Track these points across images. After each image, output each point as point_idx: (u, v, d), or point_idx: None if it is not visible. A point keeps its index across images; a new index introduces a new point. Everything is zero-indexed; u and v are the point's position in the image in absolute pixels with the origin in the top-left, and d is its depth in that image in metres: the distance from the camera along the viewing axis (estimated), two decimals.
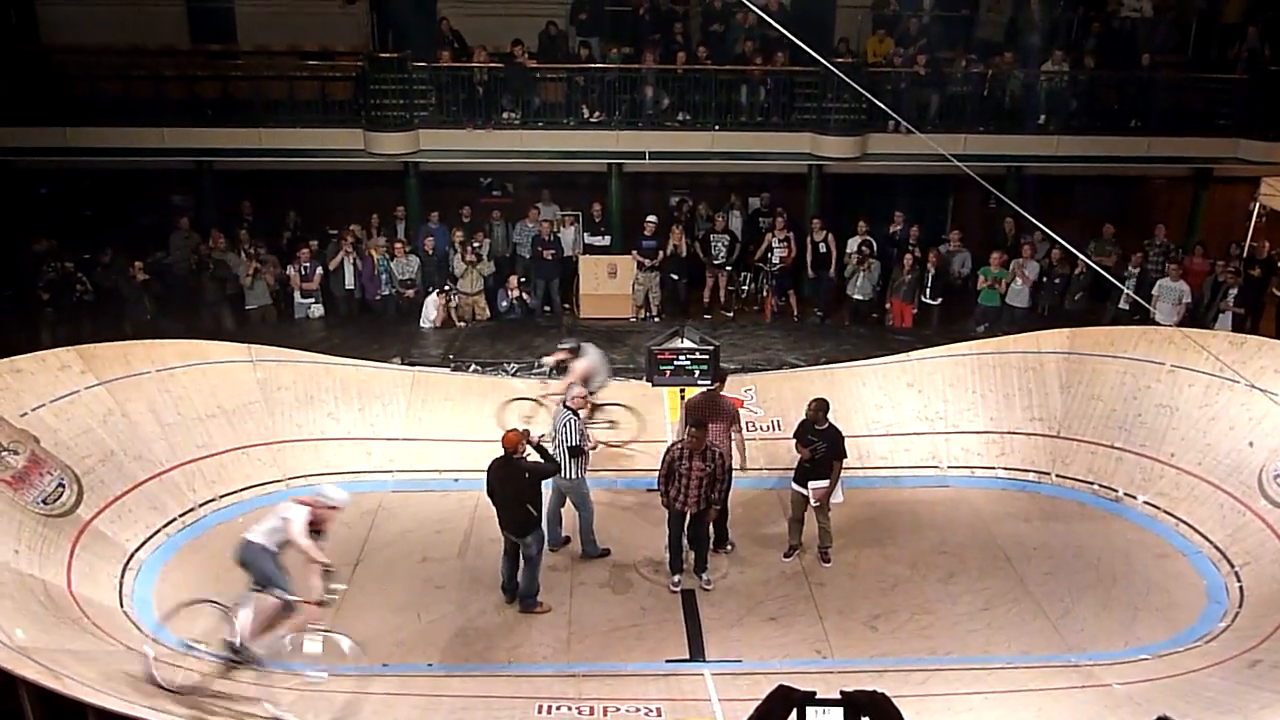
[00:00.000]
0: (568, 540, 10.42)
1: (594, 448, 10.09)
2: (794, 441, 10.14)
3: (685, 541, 9.80)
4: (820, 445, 9.85)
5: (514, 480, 9.13)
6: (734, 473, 10.15)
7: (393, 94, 14.86)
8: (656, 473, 9.66)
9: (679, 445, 9.50)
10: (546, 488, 9.67)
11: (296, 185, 15.91)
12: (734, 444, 10.21)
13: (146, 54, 15.41)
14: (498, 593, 9.73)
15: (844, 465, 10.14)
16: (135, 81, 15.06)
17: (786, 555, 10.35)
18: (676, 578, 9.85)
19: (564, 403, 10.02)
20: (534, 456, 9.34)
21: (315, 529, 7.93)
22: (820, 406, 9.96)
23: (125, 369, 10.99)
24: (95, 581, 9.29)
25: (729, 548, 10.46)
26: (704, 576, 9.89)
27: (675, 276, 15.26)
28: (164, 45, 15.81)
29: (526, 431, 9.43)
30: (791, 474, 10.29)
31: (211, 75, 15.56)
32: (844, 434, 10.12)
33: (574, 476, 9.95)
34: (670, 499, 9.54)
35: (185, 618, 8.06)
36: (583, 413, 10.14)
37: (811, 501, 10.03)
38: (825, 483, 9.95)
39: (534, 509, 9.21)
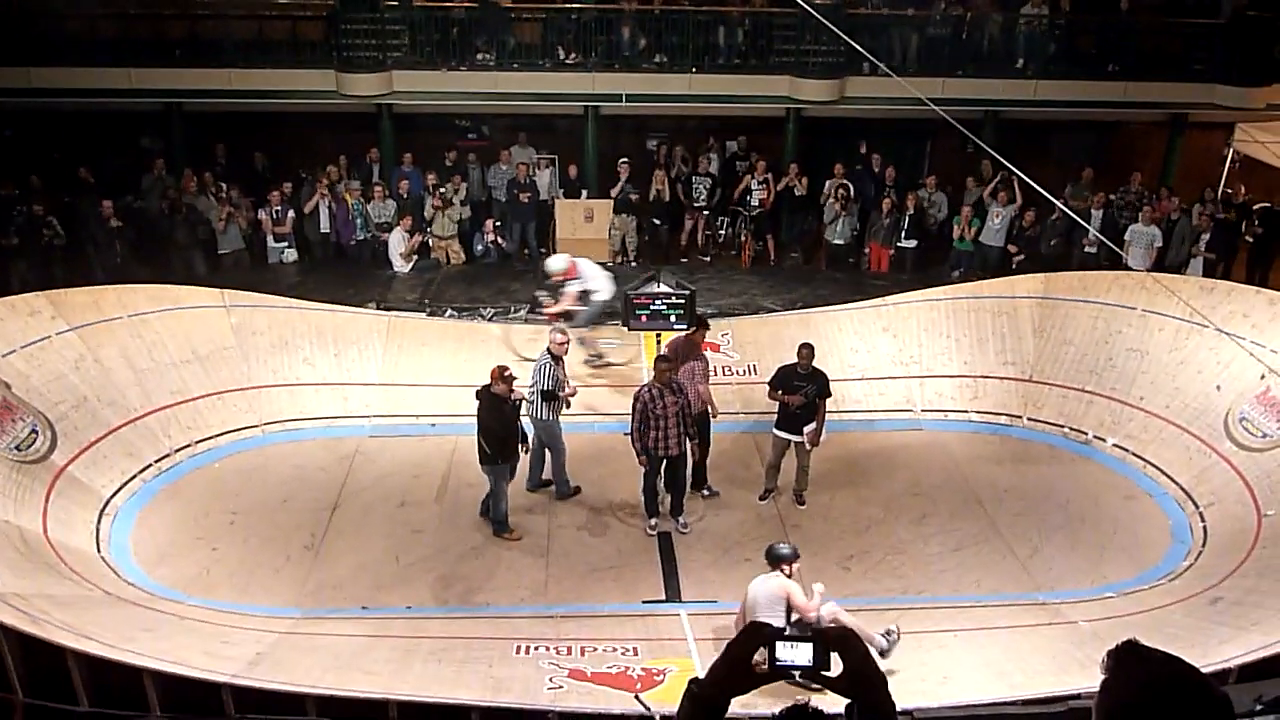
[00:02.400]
0: (547, 483, 10.50)
1: (572, 394, 10.13)
2: (771, 390, 10.08)
3: (660, 485, 9.88)
4: (810, 389, 9.88)
5: (479, 410, 9.47)
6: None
7: (365, 34, 14.60)
8: (630, 421, 9.66)
9: (647, 388, 9.50)
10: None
11: (268, 127, 15.67)
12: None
13: None
14: (475, 535, 9.84)
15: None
16: (101, 20, 14.72)
17: (762, 498, 10.46)
18: (653, 521, 9.93)
19: (546, 347, 10.06)
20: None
21: None
22: (810, 352, 9.97)
23: (97, 314, 10.88)
24: (71, 527, 9.30)
25: (705, 492, 10.52)
26: (680, 520, 9.98)
27: (657, 221, 15.20)
28: None
29: (512, 378, 9.49)
30: (773, 419, 10.25)
31: (179, 14, 15.22)
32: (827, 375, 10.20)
33: (546, 418, 10.03)
34: (650, 445, 9.49)
35: None
36: (565, 359, 10.17)
37: (807, 445, 10.05)
38: (814, 424, 9.99)
39: (486, 446, 9.47)
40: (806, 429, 10.01)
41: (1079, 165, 15.32)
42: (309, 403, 11.73)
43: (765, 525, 10.14)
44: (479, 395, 9.50)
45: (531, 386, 9.95)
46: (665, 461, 9.67)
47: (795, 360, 10.02)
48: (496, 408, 9.40)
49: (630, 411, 9.61)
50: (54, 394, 10.04)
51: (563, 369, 10.07)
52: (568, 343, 10.18)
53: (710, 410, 10.27)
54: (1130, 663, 2.01)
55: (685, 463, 9.81)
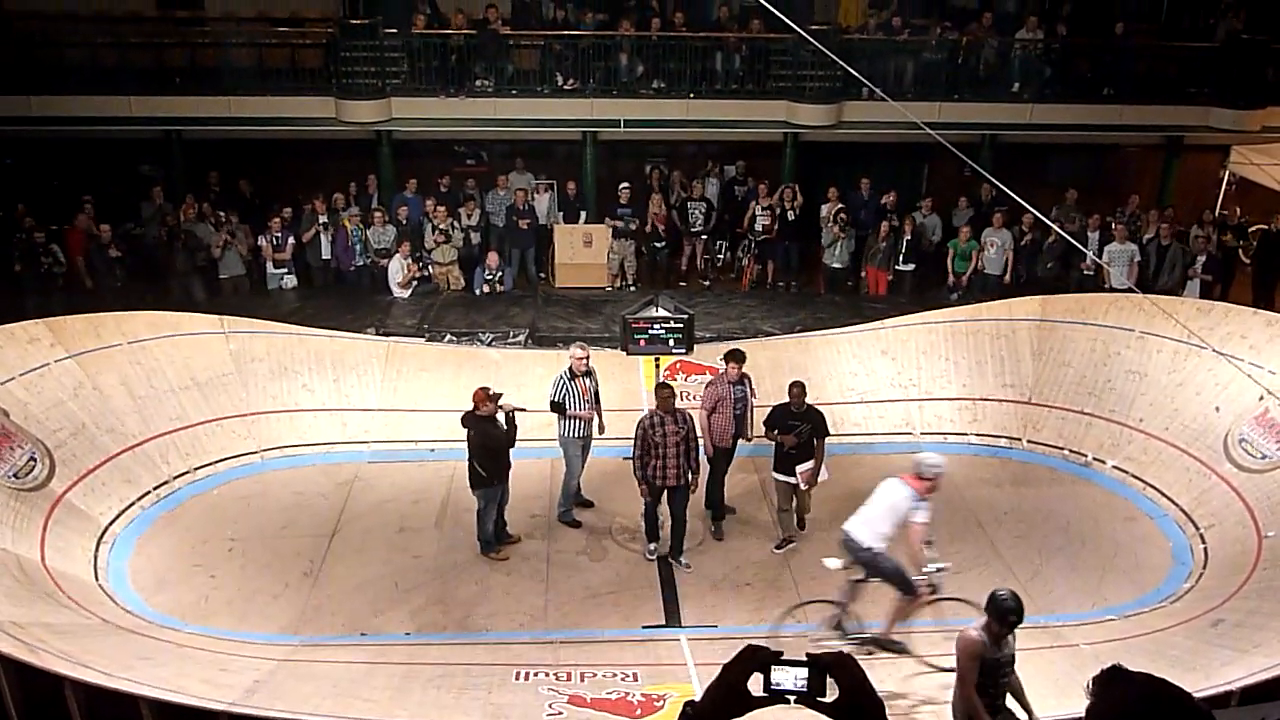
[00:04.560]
0: (578, 524, 10.45)
1: (587, 417, 10.12)
2: (766, 430, 9.83)
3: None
4: (804, 429, 9.65)
5: (467, 435, 9.46)
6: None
7: (364, 61, 14.69)
8: (631, 448, 9.53)
9: (648, 415, 9.41)
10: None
11: (268, 154, 15.74)
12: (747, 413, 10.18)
13: (112, 20, 15.14)
14: (475, 561, 9.83)
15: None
16: (101, 49, 14.82)
17: (778, 548, 10.07)
18: (652, 545, 9.87)
19: (569, 364, 10.13)
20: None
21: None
22: (801, 390, 9.73)
23: (96, 341, 10.91)
24: (69, 555, 9.28)
25: (714, 529, 10.35)
26: (681, 560, 9.80)
27: (659, 244, 15.24)
28: (130, 11, 15.53)
29: (498, 395, 9.48)
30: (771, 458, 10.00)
31: (179, 42, 15.34)
32: (820, 407, 9.98)
33: (560, 434, 10.12)
34: (650, 475, 9.35)
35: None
36: (585, 377, 10.15)
37: (801, 485, 9.77)
38: (811, 464, 9.72)
39: (481, 469, 9.46)
40: (800, 469, 9.70)
41: (1075, 188, 15.36)
42: (308, 429, 11.72)
43: (765, 549, 10.10)
44: (465, 422, 9.49)
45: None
46: (666, 492, 9.53)
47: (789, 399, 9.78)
48: (485, 429, 9.40)
49: (632, 438, 9.49)
50: (52, 421, 10.05)
51: (583, 386, 10.05)
52: (587, 358, 10.17)
53: (705, 446, 9.93)
54: (1113, 684, 2.02)
55: (687, 496, 9.63)
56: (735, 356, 10.08)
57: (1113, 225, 14.37)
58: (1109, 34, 15.72)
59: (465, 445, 9.58)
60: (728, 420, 10.00)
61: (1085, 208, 14.93)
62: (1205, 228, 14.52)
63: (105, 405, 10.62)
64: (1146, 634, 8.38)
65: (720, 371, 10.28)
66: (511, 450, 9.62)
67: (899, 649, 8.12)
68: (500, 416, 9.51)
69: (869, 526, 7.87)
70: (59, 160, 15.26)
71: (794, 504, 10.01)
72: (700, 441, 9.82)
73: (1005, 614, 6.05)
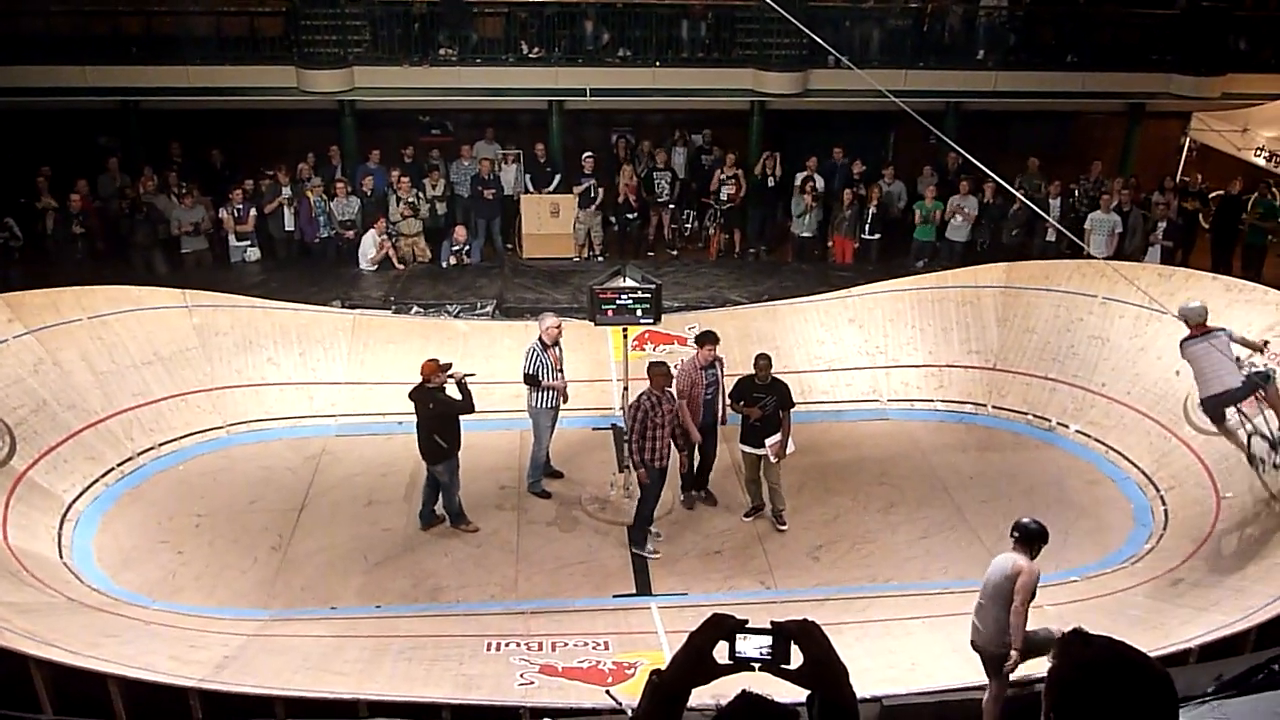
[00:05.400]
0: (547, 495, 10.43)
1: (560, 385, 10.07)
2: (731, 403, 9.78)
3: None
4: (769, 401, 9.62)
5: (423, 409, 9.35)
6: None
7: (325, 29, 14.45)
8: (626, 423, 9.38)
9: (646, 395, 9.17)
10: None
11: (228, 125, 15.48)
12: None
13: None
14: (444, 533, 9.81)
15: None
16: (56, 17, 14.47)
17: (747, 515, 10.09)
18: (650, 547, 9.59)
19: (540, 334, 10.07)
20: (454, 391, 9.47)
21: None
22: (767, 363, 9.67)
23: (55, 316, 10.73)
24: (33, 533, 9.18)
25: (683, 498, 10.30)
26: (652, 530, 9.68)
27: (630, 215, 15.16)
28: None
29: (448, 365, 9.43)
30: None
31: (135, 10, 15.00)
32: (788, 376, 10.01)
33: (531, 405, 10.08)
34: (648, 460, 9.18)
35: None
36: (557, 348, 10.11)
37: (770, 458, 9.70)
38: (779, 436, 9.66)
39: (442, 440, 9.37)
40: (769, 441, 9.64)
41: (1038, 155, 15.45)
42: (274, 403, 11.63)
43: (734, 518, 10.16)
44: (414, 396, 9.38)
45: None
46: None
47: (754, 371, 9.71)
48: (443, 400, 9.33)
49: (630, 418, 9.24)
50: (12, 398, 9.90)
51: (553, 357, 10.02)
52: (559, 327, 10.13)
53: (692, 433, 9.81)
54: (1074, 647, 2.06)
55: (666, 473, 9.53)
56: (709, 338, 9.91)
57: (1076, 192, 14.47)
58: (1073, 1, 15.76)
59: (416, 419, 9.44)
60: (697, 405, 9.86)
61: (1048, 175, 15.02)
62: (1166, 194, 14.66)
63: (66, 381, 10.47)
64: (1109, 594, 8.54)
65: (693, 354, 10.09)
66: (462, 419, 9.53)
67: None
68: (451, 387, 9.42)
69: (1223, 379, 8.71)
70: (13, 132, 14.91)
71: (761, 474, 9.99)
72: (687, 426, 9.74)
73: (1037, 538, 6.64)
